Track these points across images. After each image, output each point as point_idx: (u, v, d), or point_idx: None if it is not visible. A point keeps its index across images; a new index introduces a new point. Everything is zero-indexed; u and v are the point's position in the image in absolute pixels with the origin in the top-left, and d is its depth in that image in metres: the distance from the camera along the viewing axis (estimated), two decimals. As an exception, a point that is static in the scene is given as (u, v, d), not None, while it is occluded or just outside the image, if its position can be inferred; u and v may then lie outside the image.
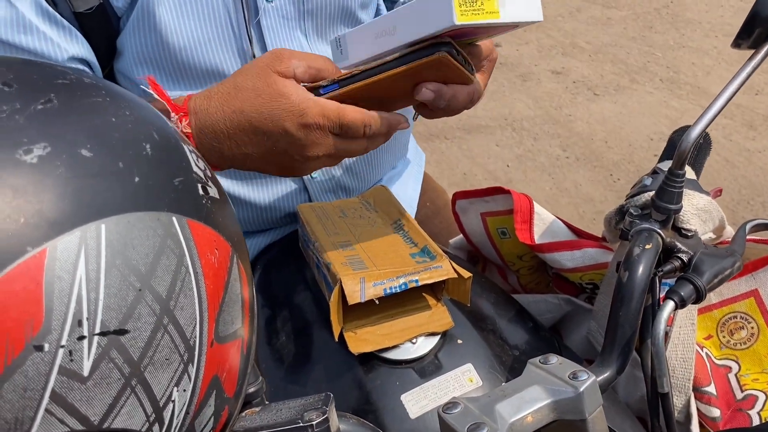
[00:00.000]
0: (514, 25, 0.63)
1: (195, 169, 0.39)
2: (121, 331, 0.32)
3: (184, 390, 0.35)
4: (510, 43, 3.54)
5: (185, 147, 0.39)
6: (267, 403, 0.49)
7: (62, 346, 0.31)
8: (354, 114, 0.61)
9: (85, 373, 0.31)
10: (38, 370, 0.30)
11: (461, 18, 0.57)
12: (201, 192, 0.38)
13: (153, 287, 0.33)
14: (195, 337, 0.35)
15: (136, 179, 0.34)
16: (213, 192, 0.39)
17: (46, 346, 0.30)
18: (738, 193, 2.37)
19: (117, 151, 0.34)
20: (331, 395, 0.47)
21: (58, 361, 0.31)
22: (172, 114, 0.60)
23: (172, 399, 0.35)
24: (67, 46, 0.72)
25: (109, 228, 0.32)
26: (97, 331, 0.31)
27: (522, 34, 3.63)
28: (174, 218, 0.35)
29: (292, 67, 0.61)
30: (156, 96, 0.61)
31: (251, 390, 0.49)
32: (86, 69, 0.77)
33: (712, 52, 3.34)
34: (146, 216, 0.34)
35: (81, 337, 0.31)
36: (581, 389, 0.53)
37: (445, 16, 0.58)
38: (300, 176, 0.73)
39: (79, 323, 0.31)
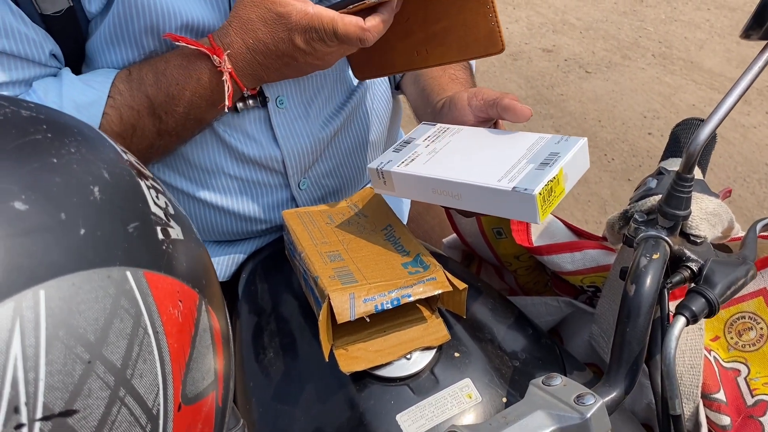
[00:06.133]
0: None
1: (154, 209, 0.34)
2: (69, 413, 0.28)
3: (150, 463, 0.31)
4: (499, 21, 3.47)
5: (142, 183, 0.35)
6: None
7: None
8: (347, 27, 0.64)
9: None
10: None
11: (543, 216, 0.60)
12: (161, 236, 0.33)
13: (105, 357, 0.29)
14: (158, 404, 0.31)
15: (82, 231, 0.29)
16: (175, 233, 0.35)
17: (-22, 439, 0.26)
18: (734, 170, 2.33)
19: (58, 200, 0.29)
20: None
21: None
22: (213, 57, 0.66)
23: (136, 476, 0.31)
24: (45, 43, 0.69)
25: (50, 294, 0.28)
26: (39, 416, 0.27)
27: (512, 12, 3.56)
28: (128, 272, 0.30)
29: None
30: (185, 44, 0.66)
31: (232, 435, 0.45)
32: (62, 66, 0.73)
33: (705, 25, 3.29)
34: (94, 274, 0.29)
35: (19, 426, 0.26)
36: (588, 415, 0.50)
37: (530, 216, 0.60)
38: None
39: (16, 410, 0.26)
